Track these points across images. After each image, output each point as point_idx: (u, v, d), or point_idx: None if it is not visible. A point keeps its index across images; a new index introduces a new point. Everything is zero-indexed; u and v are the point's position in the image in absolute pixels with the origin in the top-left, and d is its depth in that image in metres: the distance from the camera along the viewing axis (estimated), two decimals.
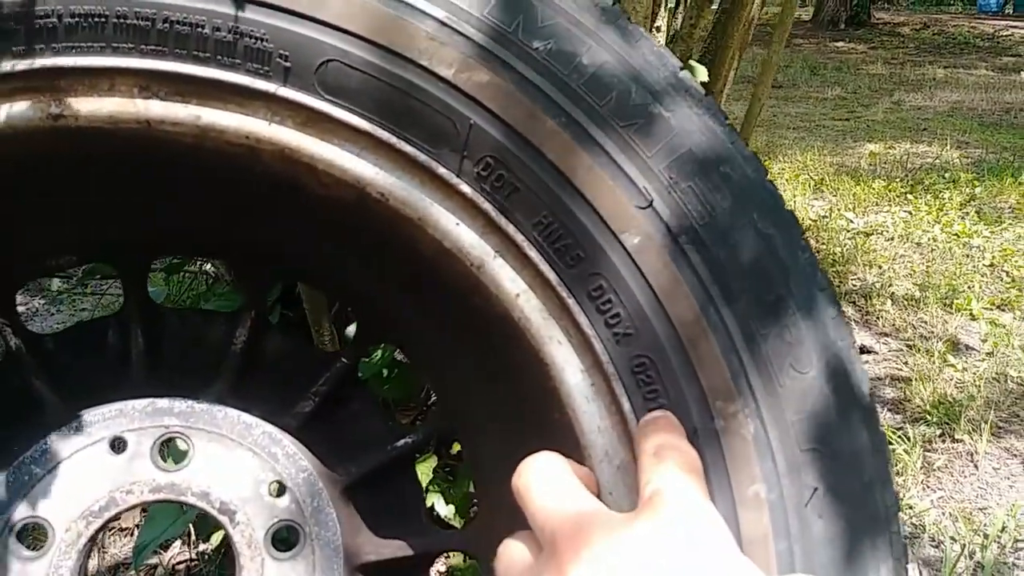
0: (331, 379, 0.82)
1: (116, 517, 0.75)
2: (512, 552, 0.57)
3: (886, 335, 2.88)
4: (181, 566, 1.66)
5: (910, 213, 4.25)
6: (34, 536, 0.74)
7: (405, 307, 0.76)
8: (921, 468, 2.11)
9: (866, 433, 0.62)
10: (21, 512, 0.72)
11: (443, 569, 1.61)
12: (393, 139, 0.61)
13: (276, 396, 0.81)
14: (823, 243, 3.76)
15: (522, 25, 0.61)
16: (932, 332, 2.87)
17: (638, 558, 0.47)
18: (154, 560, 1.66)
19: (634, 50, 0.63)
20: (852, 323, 2.97)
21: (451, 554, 1.59)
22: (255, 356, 0.82)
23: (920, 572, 1.76)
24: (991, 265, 3.53)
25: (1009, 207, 4.34)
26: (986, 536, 1.84)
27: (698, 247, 0.61)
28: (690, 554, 0.47)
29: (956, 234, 3.90)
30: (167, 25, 0.59)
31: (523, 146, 0.61)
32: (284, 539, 0.77)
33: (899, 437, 2.20)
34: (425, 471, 1.40)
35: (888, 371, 2.62)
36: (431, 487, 1.44)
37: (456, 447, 1.50)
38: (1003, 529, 1.86)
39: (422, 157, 0.61)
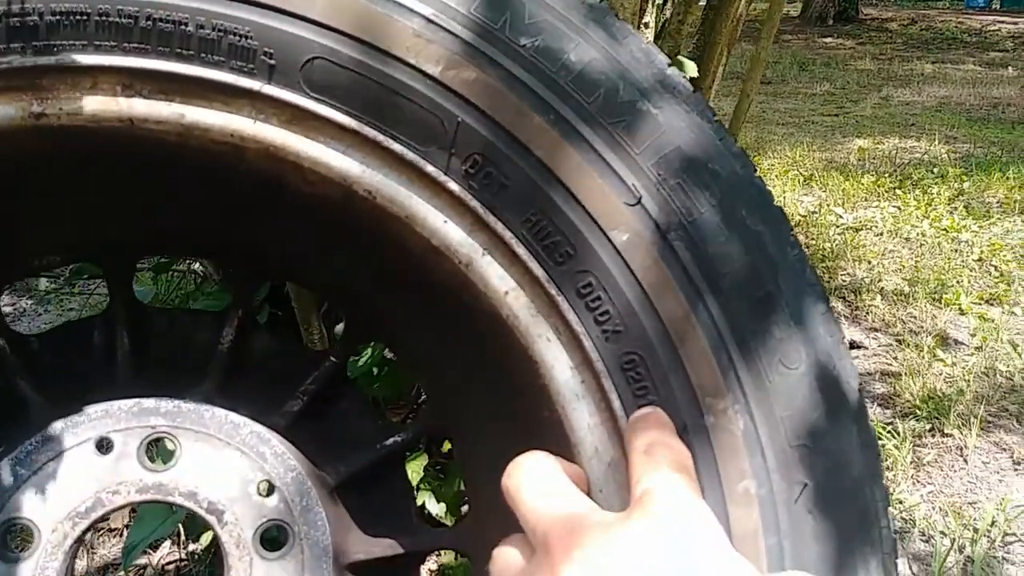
0: (320, 378, 0.82)
1: (103, 518, 0.74)
2: (506, 557, 0.56)
3: (875, 330, 2.88)
4: (171, 566, 1.66)
5: (899, 208, 4.26)
6: (21, 537, 0.73)
7: (393, 305, 0.76)
8: (911, 463, 2.11)
9: (855, 428, 0.62)
10: (7, 513, 0.72)
11: (434, 567, 1.61)
12: (380, 137, 0.61)
13: (264, 395, 0.80)
14: (812, 239, 3.76)
15: (509, 22, 0.61)
16: (921, 327, 2.88)
17: (630, 557, 0.47)
18: (143, 560, 1.66)
19: (622, 47, 0.62)
20: (841, 318, 2.98)
21: (442, 552, 1.59)
22: (242, 355, 0.82)
23: (910, 566, 1.77)
24: (979, 260, 3.54)
25: (997, 202, 4.35)
26: (976, 530, 1.85)
27: (687, 244, 0.61)
28: (682, 552, 0.47)
29: (945, 229, 3.91)
30: (150, 23, 0.58)
31: (511, 143, 0.61)
32: (273, 539, 0.76)
33: (889, 432, 2.20)
34: (416, 469, 1.40)
35: (878, 366, 2.62)
36: (422, 485, 1.44)
37: (447, 445, 1.50)
38: (993, 523, 1.87)
39: (409, 155, 0.61)
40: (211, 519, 0.75)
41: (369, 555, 0.80)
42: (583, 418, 0.63)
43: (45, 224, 0.72)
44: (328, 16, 0.59)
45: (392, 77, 0.60)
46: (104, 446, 0.74)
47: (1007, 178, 4.66)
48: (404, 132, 0.61)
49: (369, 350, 1.37)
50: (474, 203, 0.61)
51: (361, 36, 0.59)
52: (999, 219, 4.06)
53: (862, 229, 3.94)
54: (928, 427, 2.26)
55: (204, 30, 0.59)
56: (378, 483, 0.84)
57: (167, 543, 1.67)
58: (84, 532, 0.73)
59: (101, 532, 1.74)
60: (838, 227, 3.96)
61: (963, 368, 2.57)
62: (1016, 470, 2.10)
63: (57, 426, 0.74)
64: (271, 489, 0.76)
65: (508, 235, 0.62)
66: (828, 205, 4.29)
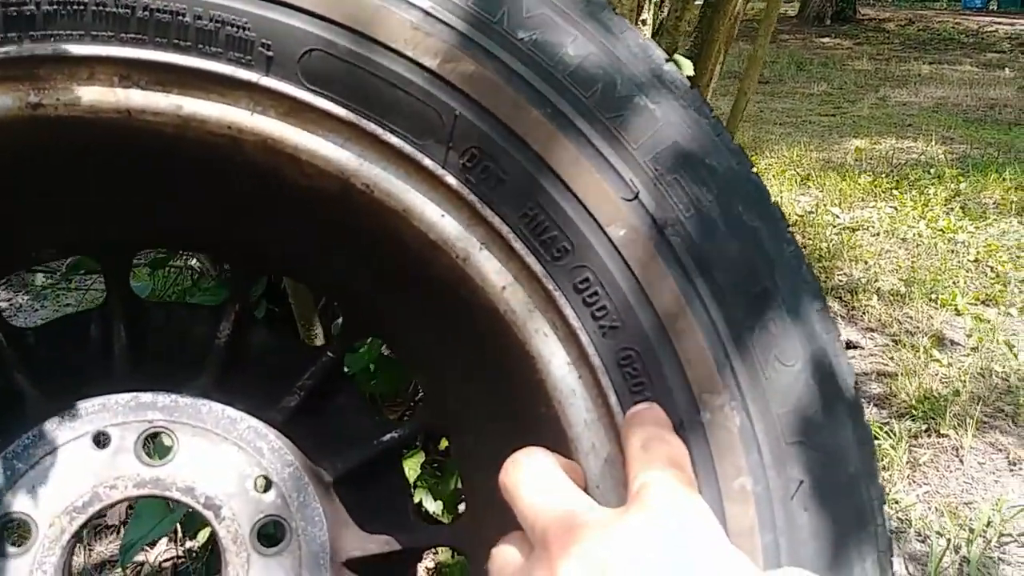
0: (317, 373, 0.82)
1: (100, 513, 0.74)
2: (504, 555, 0.56)
3: (872, 330, 2.89)
4: (168, 563, 1.66)
5: (895, 209, 4.26)
6: (18, 532, 0.73)
7: (391, 301, 0.76)
8: (907, 463, 2.11)
9: (851, 426, 0.62)
10: (3, 508, 0.71)
11: (431, 566, 1.61)
12: (378, 130, 0.61)
13: (261, 390, 0.80)
14: (809, 238, 3.77)
15: (508, 15, 0.60)
16: (917, 327, 2.88)
17: (628, 552, 0.47)
18: (141, 558, 1.65)
19: (619, 42, 0.62)
20: (838, 318, 2.98)
21: (439, 550, 1.59)
22: (240, 350, 0.82)
23: (906, 566, 1.77)
24: (976, 260, 3.55)
25: (993, 203, 4.36)
26: (972, 530, 1.85)
27: (683, 239, 0.60)
28: (680, 546, 0.47)
29: (941, 230, 3.91)
30: (147, 13, 0.58)
31: (508, 137, 0.60)
32: (270, 535, 0.76)
33: (885, 432, 2.21)
34: (413, 466, 1.40)
35: (874, 366, 2.63)
36: (419, 482, 1.44)
37: (444, 442, 1.50)
38: (988, 523, 1.87)
39: (407, 148, 0.61)
40: (208, 514, 0.74)
41: (366, 552, 0.80)
42: (580, 414, 0.62)
43: (41, 216, 0.72)
44: (326, 8, 0.59)
45: (390, 70, 0.60)
46: (101, 440, 0.74)
47: (1003, 179, 4.67)
48: (402, 125, 0.61)
49: (366, 346, 1.37)
50: (471, 197, 0.61)
51: (359, 28, 0.59)
52: (995, 220, 4.06)
53: (859, 229, 3.94)
54: (924, 427, 2.27)
55: (201, 21, 0.58)
56: (375, 480, 0.84)
57: (164, 540, 1.67)
58: (81, 527, 0.73)
59: (99, 529, 1.73)
60: (835, 227, 3.96)
61: (959, 369, 2.57)
62: (1012, 471, 2.10)
63: (54, 420, 0.74)
64: (268, 484, 0.76)
65: (505, 229, 0.61)
66: (825, 205, 4.29)
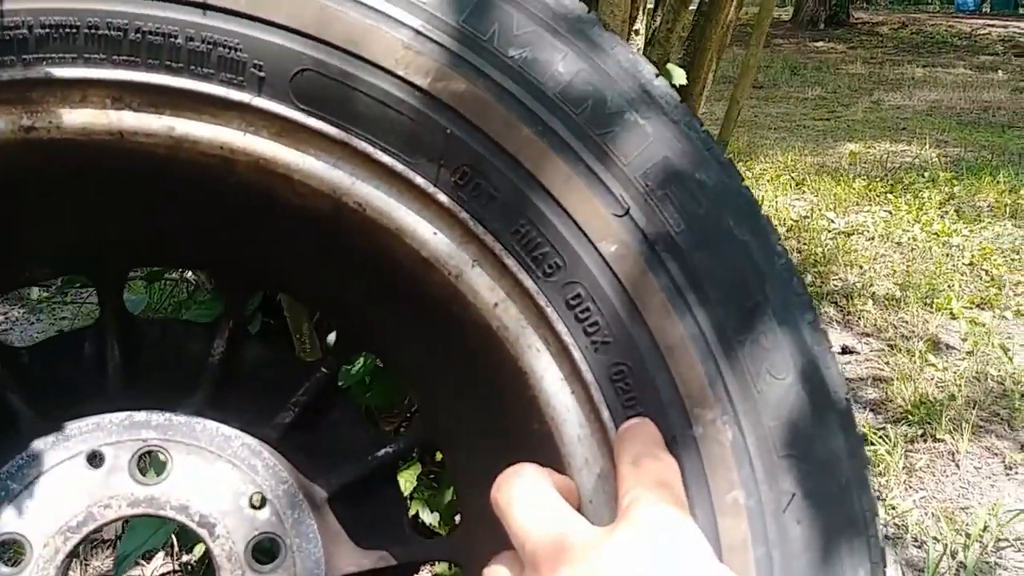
0: (311, 389, 0.82)
1: (95, 532, 0.74)
2: (495, 575, 0.57)
3: (867, 335, 2.89)
4: None
5: (890, 212, 4.27)
6: (12, 552, 0.73)
7: (384, 317, 0.76)
8: (903, 468, 2.12)
9: (843, 438, 0.62)
10: None
11: None
12: (369, 148, 0.61)
13: (255, 407, 0.80)
14: (804, 243, 3.77)
15: (498, 33, 0.61)
16: (913, 332, 2.89)
17: (616, 571, 0.47)
18: (136, 571, 1.65)
19: (609, 58, 0.63)
20: (834, 323, 2.99)
21: (436, 563, 1.58)
22: (234, 367, 0.82)
23: (903, 572, 1.77)
24: (970, 264, 3.56)
25: (988, 206, 4.37)
26: (968, 536, 1.85)
27: (675, 254, 0.61)
28: (668, 564, 0.47)
29: (936, 233, 3.92)
30: (139, 35, 0.58)
31: (500, 155, 0.61)
32: (265, 551, 0.76)
33: (881, 437, 2.21)
34: (409, 478, 1.40)
35: (870, 371, 2.63)
36: (415, 494, 1.44)
37: (440, 453, 1.50)
38: (985, 529, 1.87)
39: (399, 167, 0.61)
40: (203, 532, 0.74)
41: (361, 567, 0.80)
42: (572, 429, 0.63)
43: (35, 237, 0.72)
44: (317, 28, 0.59)
45: (381, 89, 0.60)
46: (95, 460, 0.74)
47: (997, 182, 4.69)
48: (393, 144, 0.61)
49: (362, 359, 1.37)
50: (463, 214, 0.62)
51: (350, 48, 0.59)
52: (990, 223, 4.08)
53: (854, 234, 3.95)
54: (920, 432, 2.27)
55: (193, 42, 0.59)
56: (370, 494, 0.84)
57: (160, 554, 1.67)
58: (76, 546, 0.73)
59: (95, 543, 1.73)
60: (830, 232, 3.97)
61: (954, 373, 2.58)
62: (1008, 475, 2.11)
63: (48, 440, 0.74)
64: (263, 502, 0.76)
65: (497, 246, 0.62)
66: (820, 210, 4.30)
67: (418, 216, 0.63)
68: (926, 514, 1.96)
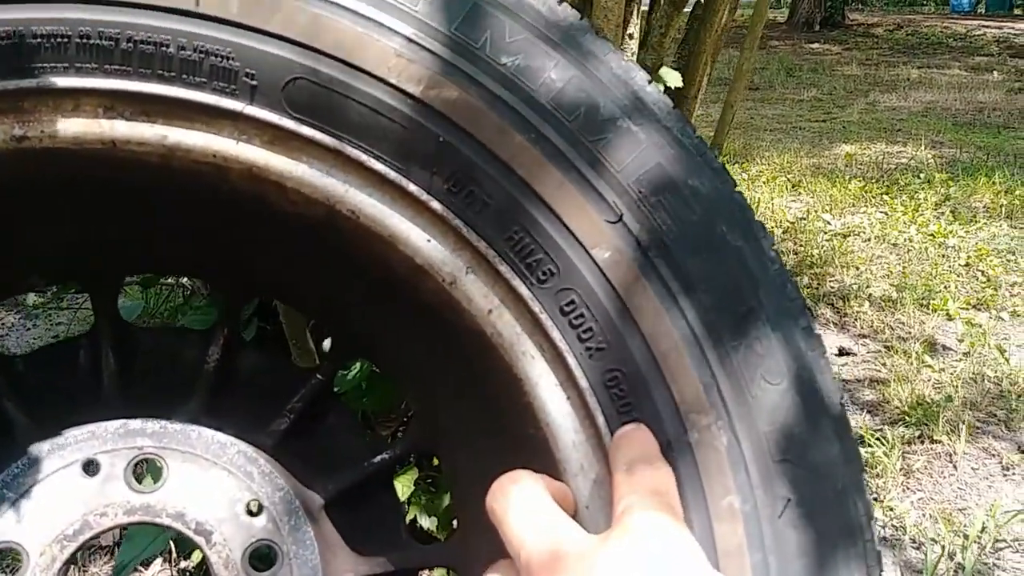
0: (306, 395, 0.82)
1: (91, 540, 0.74)
2: None
3: (864, 337, 2.89)
4: None
5: (886, 214, 4.28)
6: (9, 561, 0.73)
7: (378, 324, 0.76)
8: (900, 470, 2.12)
9: (838, 443, 0.62)
10: None
11: None
12: (362, 156, 0.61)
13: (251, 414, 0.80)
14: (801, 245, 3.78)
15: (490, 41, 0.61)
16: (909, 333, 2.89)
17: None
18: None
19: (602, 65, 0.63)
20: (830, 325, 2.99)
21: (433, 568, 1.58)
22: (229, 374, 0.82)
23: (902, 574, 1.77)
24: (966, 265, 3.56)
25: (983, 206, 4.38)
26: (966, 537, 1.86)
27: (668, 260, 0.61)
28: (661, 572, 0.47)
29: (932, 234, 3.93)
30: (131, 44, 0.58)
31: (493, 162, 0.61)
32: (262, 558, 0.76)
33: (878, 439, 2.21)
34: (406, 483, 1.40)
35: (866, 373, 2.63)
36: (413, 499, 1.44)
37: (436, 459, 1.50)
38: (983, 530, 1.87)
39: (392, 174, 0.61)
40: (199, 540, 0.74)
41: (358, 574, 0.80)
42: (568, 435, 0.63)
43: (28, 246, 0.72)
44: (309, 36, 0.59)
45: (374, 97, 0.60)
46: (91, 468, 0.74)
47: (993, 183, 4.70)
48: (386, 151, 0.61)
49: (358, 364, 1.37)
50: (457, 222, 0.62)
51: (342, 56, 0.59)
52: (985, 224, 4.08)
53: (850, 235, 3.96)
54: (917, 434, 2.27)
55: (185, 51, 0.59)
56: (367, 500, 0.84)
57: (158, 561, 1.66)
58: (73, 555, 0.73)
59: (92, 551, 1.73)
60: (826, 233, 3.98)
61: (951, 374, 2.58)
62: (1005, 476, 2.11)
63: (43, 448, 0.74)
64: (259, 509, 0.76)
65: (491, 253, 0.62)
66: (816, 211, 4.31)
67: (411, 223, 0.63)
68: (924, 515, 1.96)
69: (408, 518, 1.40)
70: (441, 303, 0.65)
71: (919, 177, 4.96)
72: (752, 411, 0.60)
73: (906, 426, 2.30)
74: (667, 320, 0.61)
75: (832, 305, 3.13)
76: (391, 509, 0.87)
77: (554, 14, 0.63)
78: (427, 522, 1.42)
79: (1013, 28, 14.61)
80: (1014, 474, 2.11)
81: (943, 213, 4.27)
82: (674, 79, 1.50)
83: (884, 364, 2.66)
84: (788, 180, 4.92)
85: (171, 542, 1.58)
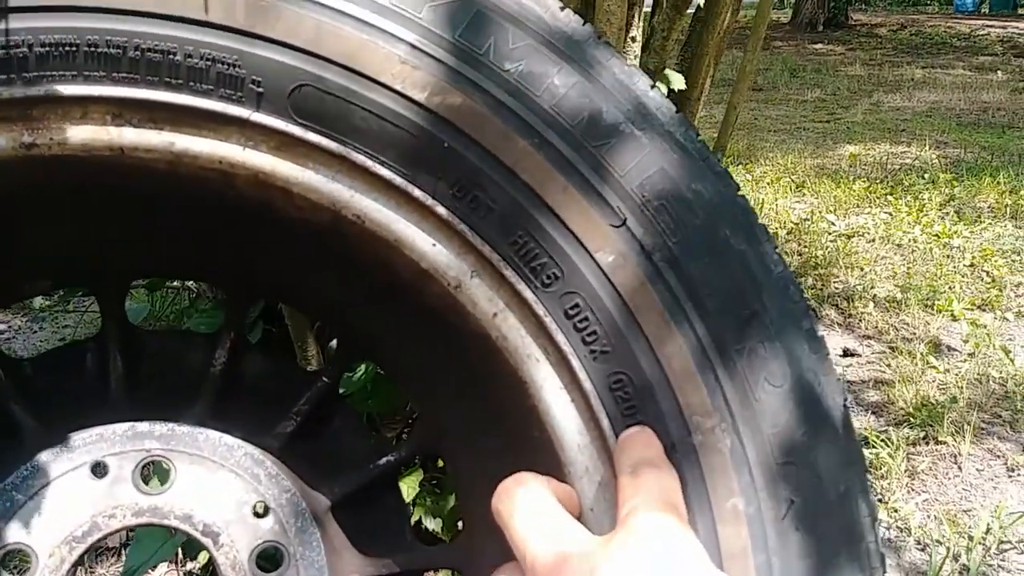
0: (312, 398, 0.83)
1: (100, 542, 0.75)
2: None
3: (869, 338, 2.89)
4: None
5: (890, 214, 4.28)
6: (18, 561, 0.73)
7: (384, 327, 0.76)
8: (905, 471, 2.12)
9: (841, 444, 0.62)
10: (3, 539, 0.72)
11: None
12: (368, 162, 0.61)
13: (257, 416, 0.81)
14: (805, 246, 3.78)
15: (494, 47, 0.61)
16: (914, 334, 2.89)
17: None
18: None
19: (605, 70, 0.63)
20: (835, 326, 2.99)
21: (438, 570, 1.59)
22: (236, 377, 0.82)
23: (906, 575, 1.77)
24: (971, 265, 3.56)
25: (988, 207, 4.38)
26: (971, 538, 1.86)
27: (672, 264, 0.61)
28: (664, 573, 0.48)
29: (936, 235, 3.93)
30: (139, 52, 0.59)
31: (497, 167, 0.61)
32: (269, 559, 0.77)
33: (883, 440, 2.21)
34: (411, 485, 1.40)
35: (871, 374, 2.63)
36: (418, 501, 1.44)
37: (441, 461, 1.50)
38: (988, 531, 1.87)
39: (397, 179, 0.62)
40: (207, 542, 0.75)
41: (364, 575, 0.81)
42: (572, 438, 0.63)
43: (36, 252, 0.73)
44: (314, 44, 0.60)
45: (379, 103, 0.60)
46: (99, 470, 0.75)
47: (998, 183, 4.69)
48: (391, 157, 0.62)
49: (363, 366, 1.38)
50: (462, 226, 0.62)
51: (347, 63, 0.60)
52: (990, 224, 4.08)
53: (854, 236, 3.96)
54: (922, 435, 2.27)
55: (192, 59, 0.59)
56: (372, 502, 0.84)
57: (164, 563, 1.67)
58: (81, 556, 0.73)
59: (100, 552, 1.73)
60: (830, 234, 3.98)
61: (956, 375, 2.58)
62: (1010, 477, 2.11)
63: (52, 451, 0.74)
64: (266, 511, 0.77)
65: (496, 257, 0.62)
66: (820, 212, 4.31)
67: (417, 228, 0.63)
68: (928, 517, 1.96)
69: (413, 519, 1.41)
70: (446, 307, 0.65)
71: (923, 177, 4.96)
72: (756, 414, 0.61)
73: (911, 427, 2.30)
74: (671, 323, 0.61)
75: (836, 306, 3.13)
76: (396, 511, 0.87)
77: (557, 20, 0.63)
78: (432, 523, 1.43)
79: (1017, 28, 14.59)
80: (1019, 475, 2.11)
81: (947, 213, 4.26)
82: (677, 81, 1.51)
83: (889, 365, 2.66)
84: (792, 181, 4.91)
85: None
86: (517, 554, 0.54)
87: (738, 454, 0.60)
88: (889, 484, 2.06)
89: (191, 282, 1.72)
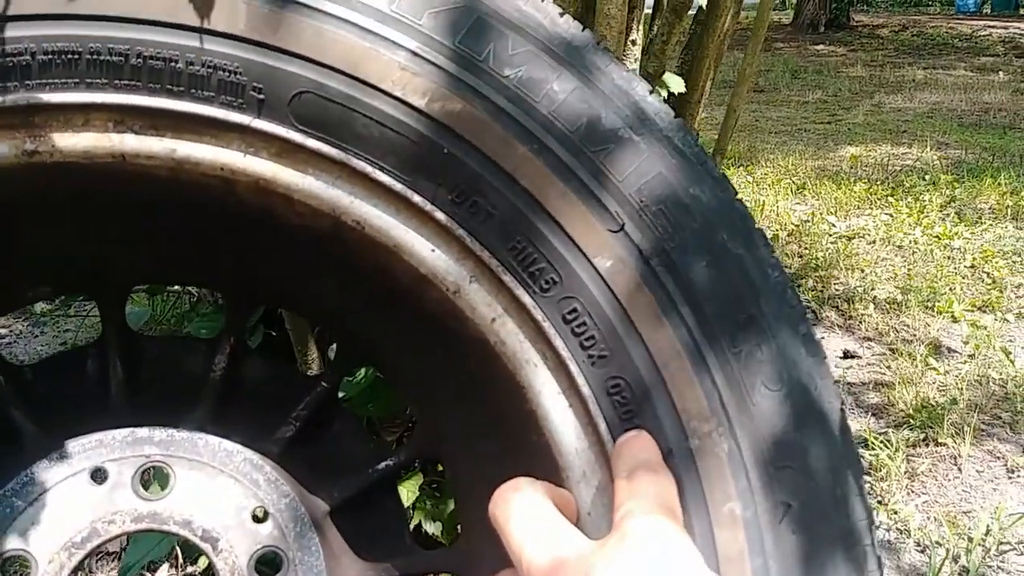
0: (311, 403, 0.83)
1: (99, 548, 0.75)
2: None
3: (869, 339, 2.89)
4: None
5: (891, 216, 4.28)
6: (18, 567, 0.74)
7: (383, 332, 0.77)
8: (905, 473, 2.12)
9: (838, 448, 0.63)
10: (3, 545, 0.72)
11: None
12: (368, 168, 0.62)
13: (257, 422, 0.81)
14: (806, 248, 3.78)
15: (493, 53, 0.62)
16: (914, 336, 2.89)
17: None
18: None
19: (604, 76, 0.64)
20: (835, 328, 2.99)
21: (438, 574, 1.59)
22: (235, 382, 0.83)
23: None
24: (972, 267, 3.56)
25: (989, 208, 4.38)
26: (971, 540, 1.86)
27: (669, 269, 0.62)
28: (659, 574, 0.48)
29: (937, 236, 3.93)
30: (140, 60, 0.59)
31: (496, 173, 0.62)
32: (268, 564, 0.77)
33: (883, 442, 2.21)
34: (411, 488, 1.40)
35: (871, 376, 2.63)
36: (418, 504, 1.44)
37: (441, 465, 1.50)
38: (987, 532, 1.87)
39: (397, 185, 0.62)
40: (206, 547, 0.75)
41: None
42: (571, 442, 0.64)
43: (37, 258, 0.73)
44: (315, 51, 0.60)
45: (379, 110, 0.61)
46: (99, 476, 0.75)
47: (999, 184, 4.69)
48: (391, 163, 0.62)
49: (363, 370, 1.38)
50: (461, 232, 0.63)
51: (348, 70, 0.60)
52: (991, 225, 4.08)
53: (855, 237, 3.96)
54: (922, 436, 2.27)
55: (194, 66, 0.60)
56: (372, 507, 0.85)
57: (165, 566, 1.67)
58: (81, 562, 0.74)
59: (99, 555, 1.74)
60: (831, 236, 3.98)
61: (956, 376, 2.58)
62: (1010, 478, 2.11)
63: (52, 457, 0.75)
64: (265, 516, 0.77)
65: (495, 263, 0.63)
66: (821, 214, 4.31)
67: (416, 234, 0.64)
68: (928, 518, 1.96)
69: (413, 523, 1.41)
70: (445, 312, 0.66)
71: (924, 179, 4.96)
72: (753, 418, 0.61)
73: (911, 429, 2.31)
74: (668, 328, 0.61)
75: (837, 308, 3.13)
76: (396, 515, 0.88)
77: (556, 27, 0.64)
78: (432, 527, 1.43)
79: (1019, 28, 14.58)
80: (1019, 477, 2.11)
81: (948, 215, 4.26)
82: (677, 84, 1.51)
83: (889, 367, 2.66)
84: (793, 182, 4.91)
85: (177, 548, 1.59)
86: (513, 559, 0.55)
87: (735, 458, 0.61)
88: (889, 486, 2.06)
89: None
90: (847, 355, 2.77)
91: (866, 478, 2.08)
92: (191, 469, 0.77)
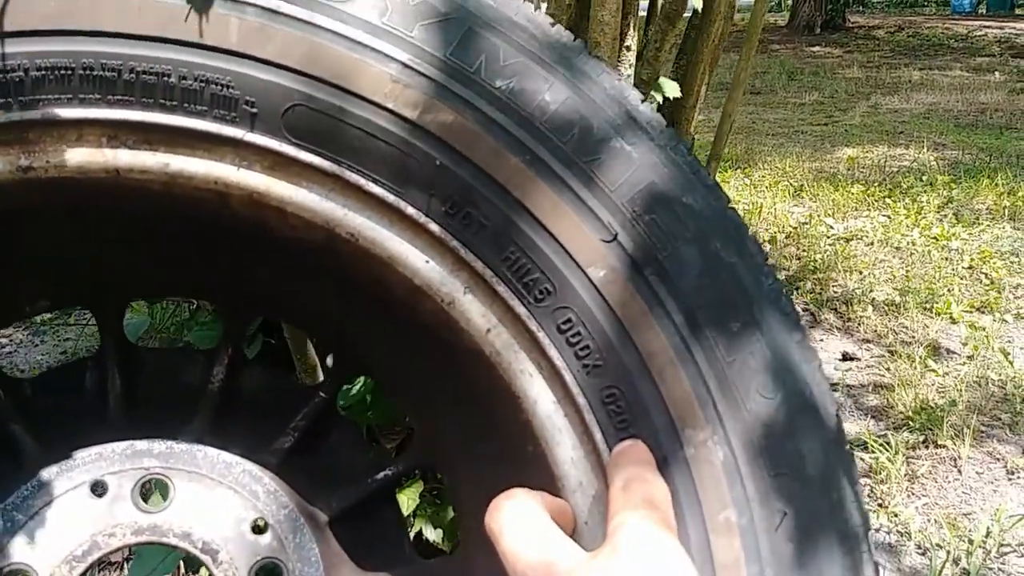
0: (310, 414, 0.83)
1: (100, 561, 0.75)
2: None
3: (868, 341, 2.90)
4: None
5: (889, 217, 4.28)
6: None
7: (378, 343, 0.77)
8: (905, 475, 2.12)
9: (834, 454, 0.63)
10: (4, 559, 0.72)
11: None
12: (361, 180, 0.62)
13: (255, 433, 0.81)
14: (804, 250, 3.78)
15: (484, 65, 0.62)
16: (913, 337, 2.89)
17: None
18: None
19: (595, 85, 0.64)
20: (834, 330, 2.99)
21: None
22: (233, 393, 0.83)
23: None
24: (970, 267, 3.56)
25: (986, 208, 4.38)
26: (971, 542, 1.86)
27: (663, 278, 0.62)
28: None
29: (935, 237, 3.93)
30: (133, 75, 0.59)
31: (489, 184, 0.62)
32: (268, 574, 0.77)
33: (882, 445, 2.21)
34: (411, 496, 1.40)
35: (870, 378, 2.64)
36: (418, 511, 1.44)
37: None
38: (988, 534, 1.87)
39: (390, 197, 0.62)
40: (206, 559, 0.75)
41: None
42: (566, 452, 0.64)
43: (35, 273, 0.74)
44: (307, 64, 0.60)
45: (371, 122, 0.61)
46: (99, 489, 0.75)
47: (995, 184, 4.69)
48: (384, 175, 0.62)
49: (362, 378, 1.38)
50: (454, 243, 0.63)
51: (339, 83, 0.61)
52: (988, 226, 4.08)
53: (853, 239, 3.96)
54: (921, 438, 2.28)
55: (186, 81, 0.60)
56: (371, 516, 0.85)
57: None
58: (82, 575, 0.74)
59: (102, 567, 1.74)
60: (829, 238, 3.98)
61: (955, 378, 2.58)
62: (1010, 480, 2.11)
63: (52, 470, 0.75)
64: (264, 527, 0.77)
65: (488, 274, 0.63)
66: (818, 216, 4.31)
67: (410, 245, 0.64)
68: (928, 521, 1.97)
69: (413, 530, 1.41)
70: (439, 323, 0.66)
71: (921, 180, 4.96)
72: (748, 425, 0.61)
73: (910, 431, 2.31)
74: (662, 336, 0.62)
75: (835, 310, 3.14)
76: (395, 524, 0.88)
77: (547, 36, 0.64)
78: (433, 534, 1.43)
79: (1014, 28, 14.60)
80: (1019, 478, 2.11)
81: (946, 216, 4.27)
82: (672, 89, 1.51)
83: (888, 369, 2.67)
84: (790, 185, 4.92)
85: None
86: (508, 569, 0.55)
87: (730, 466, 0.61)
88: (889, 488, 2.06)
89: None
90: (846, 357, 2.77)
91: (866, 480, 2.08)
92: (190, 481, 0.77)
